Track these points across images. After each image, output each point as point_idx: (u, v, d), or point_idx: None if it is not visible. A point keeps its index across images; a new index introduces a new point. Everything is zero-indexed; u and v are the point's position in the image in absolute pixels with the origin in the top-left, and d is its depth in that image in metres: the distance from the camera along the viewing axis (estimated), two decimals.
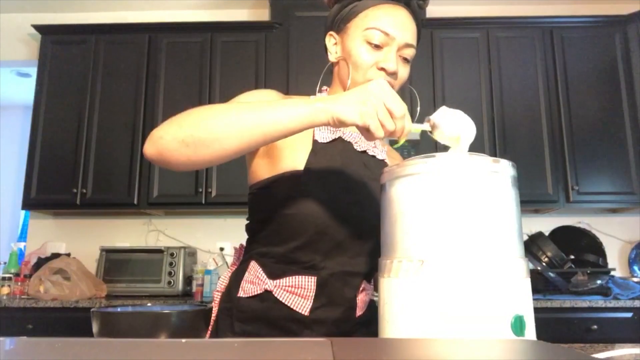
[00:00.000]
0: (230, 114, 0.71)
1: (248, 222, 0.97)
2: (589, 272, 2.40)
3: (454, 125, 0.67)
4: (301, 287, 0.86)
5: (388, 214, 0.63)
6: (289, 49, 2.76)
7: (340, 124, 0.68)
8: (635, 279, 2.55)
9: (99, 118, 2.79)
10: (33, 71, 3.10)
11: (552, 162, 2.66)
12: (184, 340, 0.42)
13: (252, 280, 0.88)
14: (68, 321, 2.27)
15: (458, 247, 0.56)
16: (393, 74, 0.88)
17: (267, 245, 0.90)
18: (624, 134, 2.67)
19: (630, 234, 2.89)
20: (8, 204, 4.50)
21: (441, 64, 2.78)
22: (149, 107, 2.79)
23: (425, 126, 0.70)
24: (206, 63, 2.81)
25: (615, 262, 2.84)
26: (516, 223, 0.60)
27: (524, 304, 0.56)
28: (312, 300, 0.86)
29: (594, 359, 0.38)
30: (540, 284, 2.37)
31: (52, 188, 2.72)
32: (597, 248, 2.65)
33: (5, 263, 2.75)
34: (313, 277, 0.86)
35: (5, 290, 2.53)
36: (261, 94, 0.91)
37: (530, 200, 2.61)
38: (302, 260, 0.87)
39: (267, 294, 0.87)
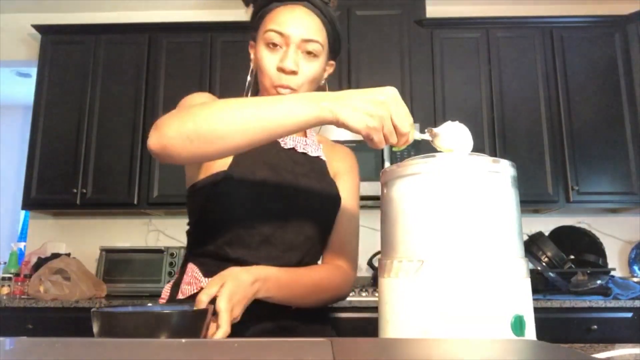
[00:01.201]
0: (235, 111, 0.69)
1: (188, 226, 0.98)
2: (589, 272, 2.40)
3: (452, 139, 0.68)
4: None
5: (388, 214, 0.63)
6: None
7: (343, 127, 0.67)
8: (635, 279, 2.55)
9: (99, 118, 2.79)
10: (33, 71, 3.10)
11: (552, 162, 2.66)
12: (184, 340, 0.42)
13: (189, 282, 0.90)
14: (68, 321, 2.27)
15: (458, 247, 0.56)
16: (292, 73, 0.89)
17: (201, 245, 0.92)
18: (624, 134, 2.67)
19: (630, 234, 2.88)
20: (8, 204, 4.50)
21: (441, 64, 2.78)
22: (149, 107, 2.79)
23: (426, 136, 0.70)
24: (206, 63, 2.81)
25: (615, 262, 2.84)
26: (516, 223, 0.60)
27: (524, 304, 0.56)
28: None
29: (594, 359, 0.38)
30: (540, 284, 2.37)
31: (52, 188, 2.73)
32: (597, 248, 2.64)
33: (5, 263, 2.75)
34: None
35: (5, 290, 2.53)
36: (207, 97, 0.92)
37: (530, 200, 2.61)
38: (232, 257, 0.88)
39: None
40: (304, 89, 0.91)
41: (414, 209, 0.59)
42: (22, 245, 3.07)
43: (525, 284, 0.58)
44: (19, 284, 2.52)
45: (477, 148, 2.45)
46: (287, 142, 0.97)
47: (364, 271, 2.69)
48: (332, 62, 1.01)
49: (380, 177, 0.66)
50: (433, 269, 0.55)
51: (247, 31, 0.99)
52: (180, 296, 0.90)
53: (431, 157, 0.60)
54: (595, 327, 2.17)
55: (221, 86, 2.77)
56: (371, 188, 2.49)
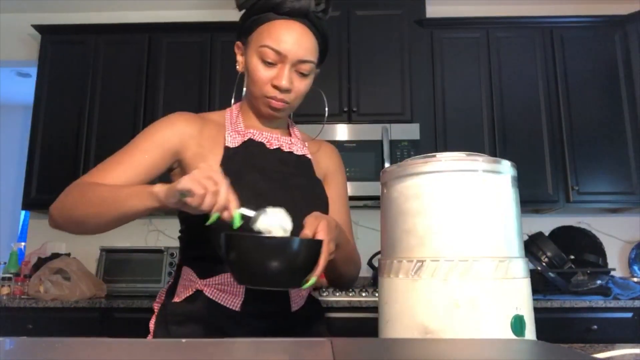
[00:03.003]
0: (93, 202, 0.85)
1: (180, 234, 1.01)
2: (589, 272, 2.40)
3: (272, 222, 0.75)
4: (230, 284, 0.89)
5: (388, 214, 0.63)
6: None
7: (175, 195, 0.73)
8: (635, 279, 2.55)
9: (98, 118, 2.79)
10: (33, 71, 3.10)
11: (552, 162, 2.66)
12: (184, 340, 0.42)
13: (185, 284, 0.92)
14: (68, 321, 2.27)
15: (458, 247, 0.56)
16: (287, 90, 0.91)
17: (195, 249, 0.94)
18: (624, 134, 2.67)
19: (630, 234, 2.88)
20: (8, 204, 4.49)
21: (441, 64, 2.78)
22: (149, 107, 2.79)
23: (251, 213, 0.75)
24: (206, 63, 2.81)
25: (615, 262, 2.84)
26: (516, 223, 0.60)
27: (524, 304, 0.56)
28: (242, 296, 0.88)
29: (594, 358, 0.38)
30: (540, 284, 2.37)
31: (52, 188, 2.71)
32: (597, 248, 2.64)
33: (5, 263, 2.75)
34: None
35: (5, 290, 2.53)
36: (165, 128, 0.96)
37: (530, 200, 2.61)
38: None
39: (199, 293, 0.90)
40: (295, 102, 0.95)
41: (413, 209, 0.59)
42: (22, 245, 3.07)
43: (525, 284, 0.58)
44: (19, 284, 2.52)
45: (477, 148, 2.44)
46: (273, 143, 0.98)
47: (364, 271, 2.68)
48: (317, 70, 1.00)
49: (380, 177, 0.66)
50: (433, 269, 0.55)
51: None
52: (176, 299, 0.91)
53: (431, 157, 0.60)
54: (595, 327, 2.17)
55: (221, 86, 2.77)
56: (371, 188, 2.49)
